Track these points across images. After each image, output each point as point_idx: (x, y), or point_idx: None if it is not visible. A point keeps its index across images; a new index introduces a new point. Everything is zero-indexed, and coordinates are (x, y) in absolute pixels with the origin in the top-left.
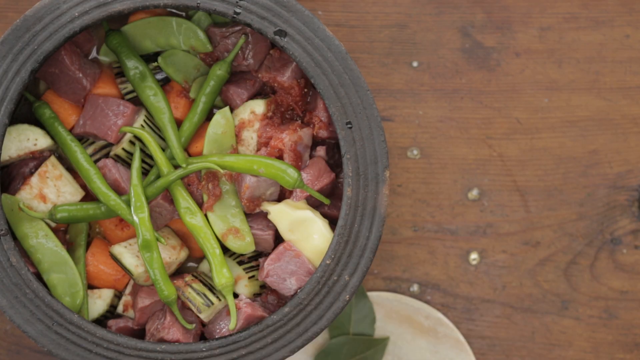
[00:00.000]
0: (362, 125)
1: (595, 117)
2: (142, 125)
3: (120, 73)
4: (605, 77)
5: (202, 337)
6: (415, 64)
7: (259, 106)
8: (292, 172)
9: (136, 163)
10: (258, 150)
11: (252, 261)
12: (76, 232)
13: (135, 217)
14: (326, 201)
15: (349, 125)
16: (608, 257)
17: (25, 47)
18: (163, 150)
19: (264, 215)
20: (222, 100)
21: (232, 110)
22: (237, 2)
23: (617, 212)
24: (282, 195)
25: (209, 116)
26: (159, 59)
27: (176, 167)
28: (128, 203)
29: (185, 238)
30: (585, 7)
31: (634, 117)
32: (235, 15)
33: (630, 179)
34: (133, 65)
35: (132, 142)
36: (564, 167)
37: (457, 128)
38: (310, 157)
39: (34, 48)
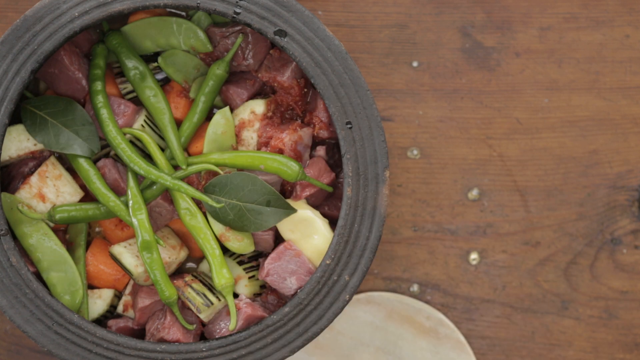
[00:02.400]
0: (362, 125)
1: (595, 117)
2: (142, 126)
3: (120, 73)
4: (605, 77)
5: (202, 337)
6: (415, 64)
7: (259, 106)
8: (293, 165)
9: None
10: (258, 150)
11: (252, 261)
12: (76, 232)
13: (134, 219)
14: (329, 189)
15: (348, 125)
16: (608, 257)
17: (25, 47)
18: (163, 150)
19: None
20: (222, 100)
21: (232, 110)
22: (237, 2)
23: (617, 212)
24: (282, 194)
25: (209, 116)
26: (159, 59)
27: (176, 167)
28: (127, 204)
29: (185, 238)
30: (585, 7)
31: (634, 117)
32: (235, 15)
33: (630, 179)
34: (133, 66)
35: (132, 142)
36: (564, 167)
37: (457, 128)
38: (310, 157)
39: (34, 48)
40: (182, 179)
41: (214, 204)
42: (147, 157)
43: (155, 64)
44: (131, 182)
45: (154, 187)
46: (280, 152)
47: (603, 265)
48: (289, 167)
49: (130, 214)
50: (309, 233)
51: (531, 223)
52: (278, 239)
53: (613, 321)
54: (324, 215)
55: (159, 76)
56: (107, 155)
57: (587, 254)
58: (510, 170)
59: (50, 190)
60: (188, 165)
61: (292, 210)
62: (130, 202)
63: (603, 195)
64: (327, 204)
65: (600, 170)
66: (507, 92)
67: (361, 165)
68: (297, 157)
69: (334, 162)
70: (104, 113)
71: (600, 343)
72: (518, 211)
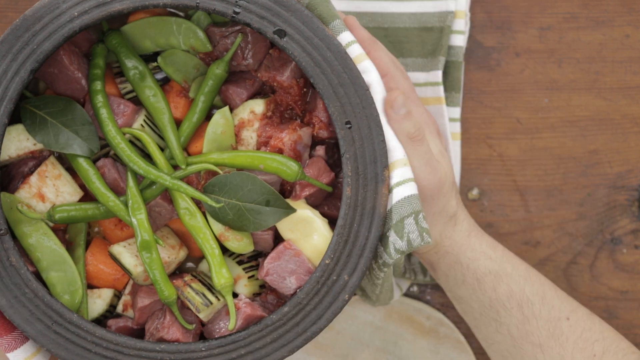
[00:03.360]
0: (362, 124)
1: (595, 117)
2: (141, 125)
3: (119, 73)
4: (605, 77)
5: (202, 336)
6: None
7: (258, 106)
8: (292, 165)
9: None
10: (258, 149)
11: (251, 261)
12: (75, 232)
13: (133, 219)
14: (328, 189)
15: (348, 125)
16: (608, 257)
17: (24, 47)
18: (162, 150)
19: None
20: (221, 100)
21: (231, 109)
22: (236, 1)
23: (617, 212)
24: (281, 194)
25: (208, 116)
26: (159, 58)
27: (175, 167)
28: (127, 204)
29: (184, 237)
30: (585, 7)
31: (634, 117)
32: (234, 15)
33: (630, 178)
34: (132, 65)
35: (132, 142)
36: (564, 167)
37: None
38: (310, 156)
39: (34, 48)
40: (182, 178)
41: (214, 204)
42: (147, 156)
43: (154, 64)
44: (130, 182)
45: (154, 186)
46: (280, 151)
47: (603, 265)
48: (289, 167)
49: (130, 213)
50: (308, 233)
51: (531, 223)
52: (277, 239)
53: (613, 321)
54: (324, 214)
55: (159, 76)
56: (106, 155)
57: (587, 254)
58: (510, 170)
59: (49, 190)
60: (187, 165)
61: (292, 210)
62: (130, 202)
63: (603, 195)
64: (326, 203)
65: (600, 170)
66: (507, 92)
67: (360, 165)
68: (297, 157)
69: (334, 162)
70: (104, 113)
71: None
72: (518, 211)
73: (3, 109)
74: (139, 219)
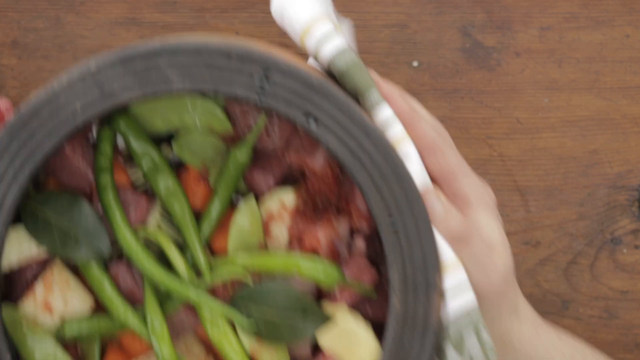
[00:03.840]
0: (408, 223)
1: (596, 117)
2: (158, 224)
3: (129, 155)
4: (605, 77)
5: None
6: (415, 63)
7: (288, 197)
8: (331, 272)
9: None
10: (290, 245)
11: None
12: (88, 342)
13: (154, 342)
14: (372, 295)
15: (393, 228)
16: (608, 257)
17: (21, 149)
18: (181, 248)
19: None
20: (245, 183)
21: (256, 196)
22: (260, 86)
23: (617, 212)
24: (318, 293)
25: (231, 203)
26: (174, 144)
27: (198, 269)
28: (145, 318)
29: (209, 344)
30: (586, 7)
31: (634, 117)
32: (258, 102)
33: (630, 178)
34: (144, 152)
35: (146, 243)
36: (564, 167)
37: (457, 128)
38: (348, 247)
39: (32, 149)
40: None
41: (246, 326)
42: (163, 256)
43: (167, 146)
44: (149, 297)
45: (175, 298)
46: (315, 251)
47: (603, 265)
48: (327, 275)
49: (150, 333)
50: (351, 344)
51: (531, 223)
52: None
53: (613, 321)
54: (365, 316)
55: (172, 157)
56: (119, 256)
57: (587, 254)
58: (510, 170)
59: (57, 300)
60: (213, 269)
61: (331, 320)
62: (149, 320)
63: (603, 195)
64: (368, 302)
65: (600, 170)
66: (507, 92)
67: (409, 271)
68: (334, 256)
69: (374, 252)
70: (115, 214)
71: (601, 343)
72: (518, 211)
73: (2, 222)
74: (160, 339)
